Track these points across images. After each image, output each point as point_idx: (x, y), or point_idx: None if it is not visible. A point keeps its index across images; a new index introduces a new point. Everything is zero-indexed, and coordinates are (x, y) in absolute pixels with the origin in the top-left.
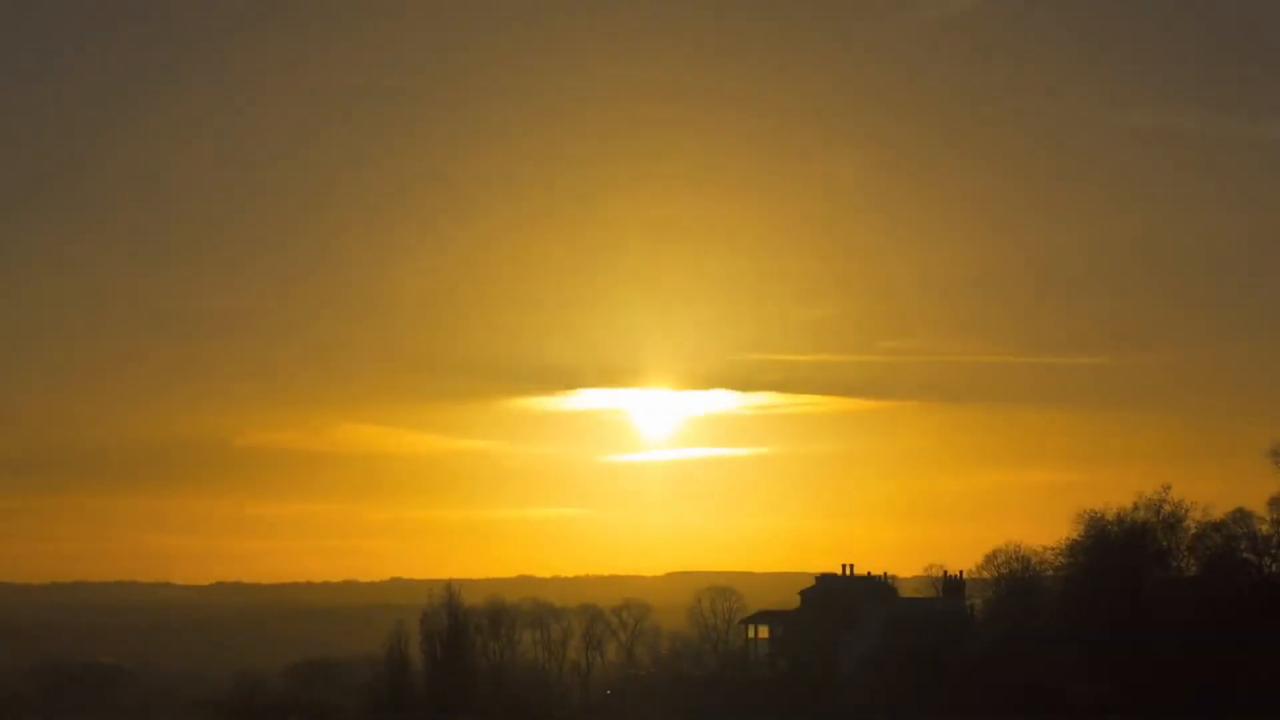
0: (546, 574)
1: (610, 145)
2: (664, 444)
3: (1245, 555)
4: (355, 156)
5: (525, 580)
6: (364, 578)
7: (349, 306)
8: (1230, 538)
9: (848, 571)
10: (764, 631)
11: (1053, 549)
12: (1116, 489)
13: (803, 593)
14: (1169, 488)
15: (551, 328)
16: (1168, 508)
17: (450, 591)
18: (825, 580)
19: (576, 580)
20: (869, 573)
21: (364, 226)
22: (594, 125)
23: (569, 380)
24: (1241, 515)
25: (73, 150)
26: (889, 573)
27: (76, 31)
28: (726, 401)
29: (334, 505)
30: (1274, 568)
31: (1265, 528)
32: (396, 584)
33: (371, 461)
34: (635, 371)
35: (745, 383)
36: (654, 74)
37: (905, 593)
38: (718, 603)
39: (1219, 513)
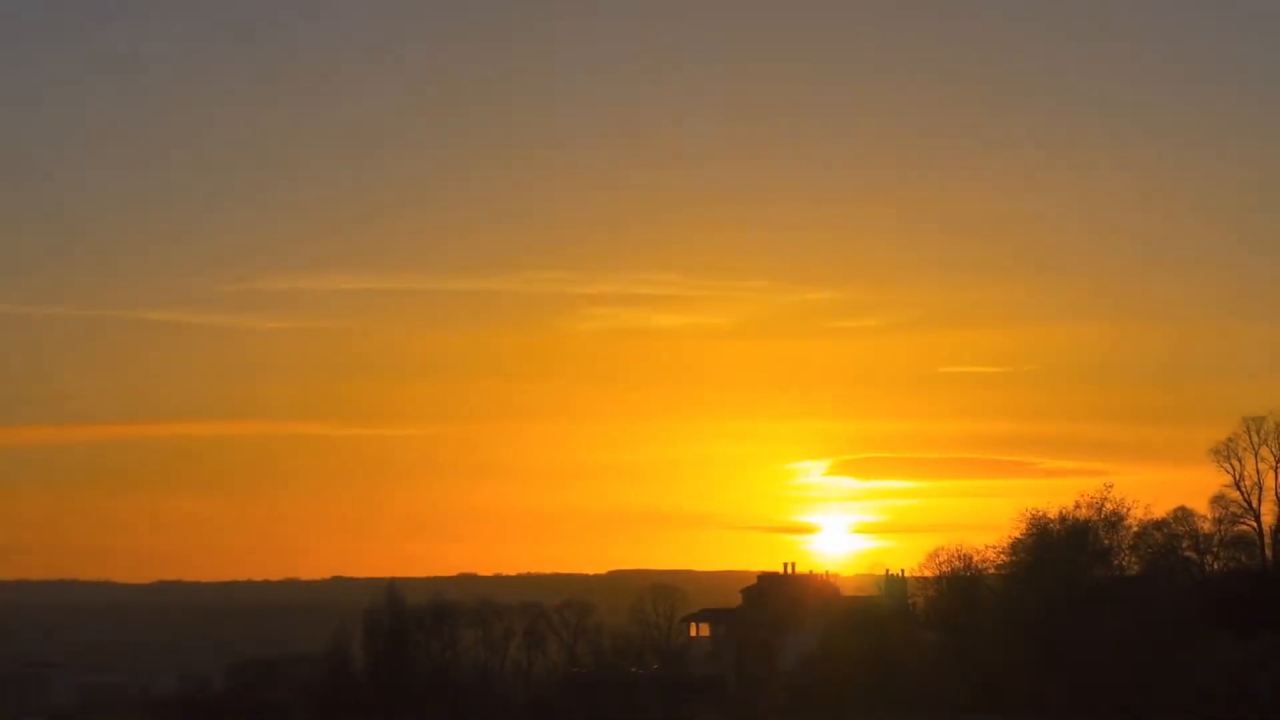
0: (488, 572)
1: None
2: None
3: (1187, 554)
4: None
5: (467, 578)
6: (305, 576)
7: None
8: (1172, 536)
9: (790, 570)
10: (706, 630)
11: (995, 547)
12: (1059, 488)
13: (744, 591)
14: (1111, 486)
15: None
16: (1109, 506)
17: (392, 590)
18: (767, 579)
19: (519, 579)
20: (811, 571)
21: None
22: None
23: None
24: (1183, 514)
25: None
26: (830, 571)
27: None
28: None
29: (275, 502)
30: (1215, 566)
31: (1207, 526)
32: (338, 582)
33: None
34: None
35: None
36: None
37: (847, 591)
38: (660, 601)
39: (1161, 511)
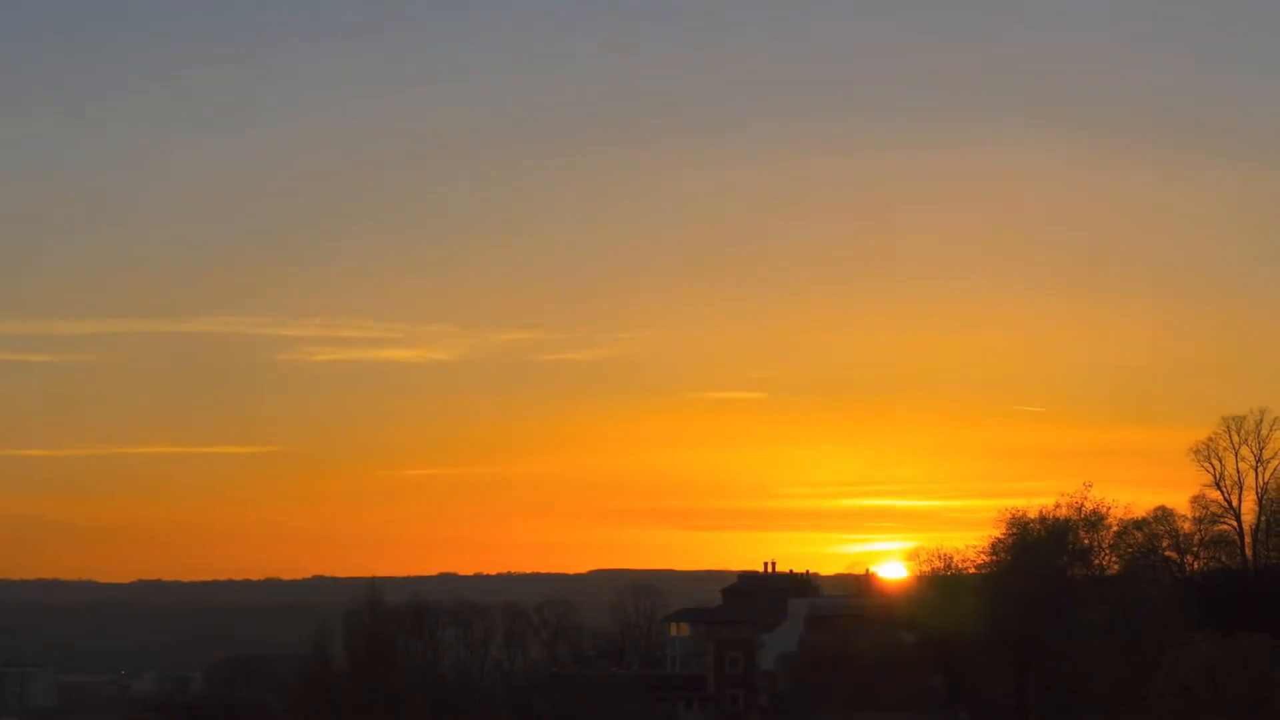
0: (469, 571)
1: None
2: None
3: (1167, 553)
4: None
5: (448, 578)
6: (285, 576)
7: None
8: (1152, 536)
9: (770, 569)
10: (686, 629)
11: (975, 547)
12: (1039, 488)
13: (725, 590)
14: (1090, 485)
15: None
16: (1089, 506)
17: (373, 590)
18: (747, 578)
19: (499, 578)
20: (791, 570)
21: None
22: None
23: None
24: (1163, 514)
25: None
26: (810, 570)
27: None
28: None
29: (254, 503)
30: (1195, 565)
31: (1187, 526)
32: (318, 582)
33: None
34: None
35: None
36: None
37: (827, 591)
38: (640, 601)
39: (1141, 511)
